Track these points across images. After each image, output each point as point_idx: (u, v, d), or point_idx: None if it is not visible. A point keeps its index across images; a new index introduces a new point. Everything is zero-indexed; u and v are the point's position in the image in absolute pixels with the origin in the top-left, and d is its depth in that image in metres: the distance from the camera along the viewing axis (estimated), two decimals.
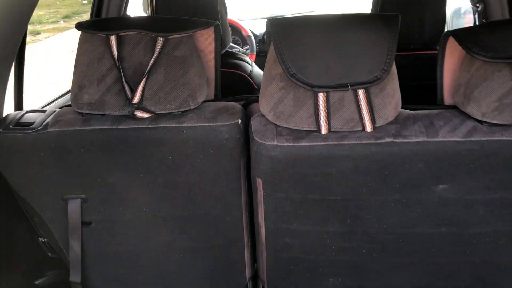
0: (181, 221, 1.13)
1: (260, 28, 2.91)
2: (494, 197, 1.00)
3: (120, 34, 0.99)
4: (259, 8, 3.43)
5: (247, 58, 2.05)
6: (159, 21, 1.02)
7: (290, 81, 0.95)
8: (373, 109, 0.95)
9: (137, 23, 1.00)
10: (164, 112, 1.00)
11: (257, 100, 1.10)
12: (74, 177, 1.06)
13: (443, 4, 1.75)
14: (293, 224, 1.07)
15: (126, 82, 0.98)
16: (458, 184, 0.99)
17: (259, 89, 1.30)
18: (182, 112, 1.01)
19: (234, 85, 1.80)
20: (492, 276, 1.15)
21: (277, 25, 0.96)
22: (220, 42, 1.09)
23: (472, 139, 0.93)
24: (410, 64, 1.79)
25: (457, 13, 3.23)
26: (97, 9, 1.83)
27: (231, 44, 2.74)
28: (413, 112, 1.01)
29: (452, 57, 1.01)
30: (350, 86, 0.93)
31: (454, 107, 1.01)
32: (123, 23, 1.00)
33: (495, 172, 0.96)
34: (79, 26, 1.00)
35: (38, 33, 9.13)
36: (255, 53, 2.71)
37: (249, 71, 1.93)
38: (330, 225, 1.07)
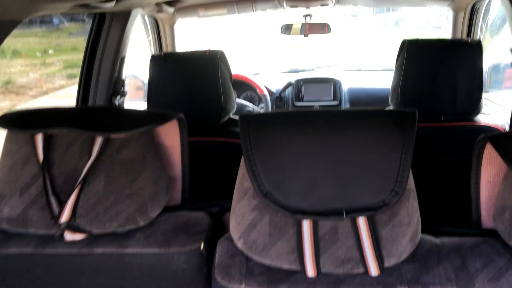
0: None
1: (278, 83, 2.71)
2: None
3: (48, 133, 0.78)
4: (279, 62, 3.24)
5: None
6: (100, 115, 0.80)
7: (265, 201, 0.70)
8: (380, 244, 0.68)
9: (72, 117, 0.79)
10: (102, 232, 0.77)
11: None
12: None
13: (479, 67, 1.47)
14: None
15: (54, 193, 0.76)
16: None
17: None
18: (129, 230, 0.78)
19: (237, 157, 1.57)
20: None
21: (248, 123, 0.73)
22: (187, 135, 0.86)
23: None
24: (440, 138, 1.51)
25: (496, 68, 2.93)
26: (86, 72, 1.67)
27: (243, 102, 2.54)
28: (437, 241, 0.73)
29: (491, 168, 0.74)
30: (346, 214, 0.67)
31: (494, 232, 0.73)
32: (53, 117, 0.79)
33: None
34: (1, 121, 0.79)
35: (74, 76, 9.35)
36: None
37: None
38: None
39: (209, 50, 1.53)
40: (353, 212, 0.67)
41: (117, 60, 1.72)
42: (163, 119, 0.80)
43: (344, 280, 0.68)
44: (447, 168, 1.49)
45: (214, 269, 0.73)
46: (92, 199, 0.76)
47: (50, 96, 7.28)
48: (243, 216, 0.72)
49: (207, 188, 1.31)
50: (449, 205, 1.33)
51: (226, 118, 1.56)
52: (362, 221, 0.68)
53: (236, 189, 0.75)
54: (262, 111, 2.51)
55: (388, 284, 0.67)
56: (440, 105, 1.50)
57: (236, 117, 1.72)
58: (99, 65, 1.67)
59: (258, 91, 2.53)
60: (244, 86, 2.64)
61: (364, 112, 0.72)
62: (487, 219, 0.76)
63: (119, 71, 1.75)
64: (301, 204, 0.68)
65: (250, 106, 2.52)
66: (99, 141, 0.76)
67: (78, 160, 0.77)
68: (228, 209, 0.88)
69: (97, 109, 0.84)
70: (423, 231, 0.75)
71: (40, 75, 8.54)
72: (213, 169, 1.48)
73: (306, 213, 0.68)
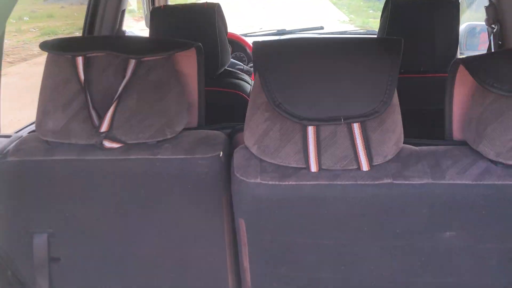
0: (157, 260, 1.02)
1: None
2: (509, 247, 0.87)
3: (88, 55, 0.90)
4: (267, 23, 3.34)
5: (247, 78, 1.95)
6: (132, 42, 0.92)
7: (277, 111, 0.84)
8: (370, 145, 0.83)
9: (108, 43, 0.91)
10: (136, 142, 0.90)
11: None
12: (39, 210, 0.96)
13: (456, 24, 1.63)
14: (281, 268, 0.96)
15: (94, 108, 0.89)
16: (468, 232, 0.86)
17: None
18: (157, 142, 0.91)
19: (233, 106, 1.70)
20: None
21: (262, 49, 0.86)
22: (203, 64, 0.99)
23: (485, 182, 0.81)
24: (419, 87, 1.67)
25: (472, 32, 3.10)
26: (89, 24, 1.75)
27: (234, 61, 2.65)
28: (416, 148, 0.89)
29: (462, 88, 0.90)
30: (344, 120, 0.81)
31: (464, 143, 0.89)
32: (91, 43, 0.91)
33: (510, 219, 0.84)
34: (43, 45, 0.90)
35: None
36: None
37: (249, 91, 1.82)
38: (323, 272, 0.95)
39: (206, 2, 1.64)
40: (349, 119, 0.82)
41: (118, 13, 1.81)
42: (185, 45, 0.93)
43: (340, 174, 0.83)
44: (426, 117, 1.66)
45: (233, 169, 0.87)
46: (127, 113, 0.89)
47: (29, 63, 7.18)
48: (257, 126, 0.86)
49: None
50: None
51: (222, 69, 1.68)
52: (356, 127, 0.83)
53: (250, 105, 0.89)
54: (252, 70, 2.63)
55: (376, 177, 0.83)
56: (420, 58, 1.66)
57: (231, 69, 1.85)
58: (101, 19, 1.76)
59: (248, 49, 2.64)
60: (234, 45, 2.74)
61: (359, 39, 0.86)
62: (457, 132, 0.92)
63: (120, 23, 1.84)
64: (307, 113, 0.82)
65: (240, 64, 2.64)
66: (132, 63, 0.89)
67: (114, 80, 0.90)
68: (239, 130, 1.02)
69: (129, 37, 0.95)
70: (405, 143, 0.90)
71: (16, 42, 8.37)
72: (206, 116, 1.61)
73: (311, 120, 0.82)
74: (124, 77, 0.89)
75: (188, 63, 0.97)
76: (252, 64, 2.66)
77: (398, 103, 0.87)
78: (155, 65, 0.90)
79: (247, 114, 0.90)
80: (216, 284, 1.05)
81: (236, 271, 1.06)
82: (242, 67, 2.63)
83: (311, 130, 0.83)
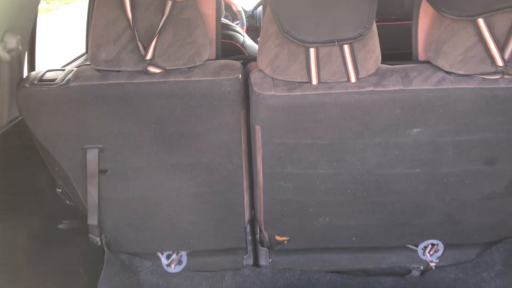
0: (188, 168, 1.27)
1: (249, 3, 3.02)
2: (461, 139, 1.16)
3: None
4: None
5: (240, 29, 2.17)
6: None
7: (285, 38, 1.08)
8: (357, 62, 1.09)
9: None
10: (173, 68, 1.13)
11: (254, 59, 1.23)
12: (92, 128, 1.19)
13: None
14: (287, 167, 1.22)
15: (140, 41, 1.11)
16: (430, 128, 1.14)
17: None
18: (189, 68, 1.14)
19: (227, 55, 1.93)
20: (460, 213, 1.32)
21: None
22: (220, 6, 1.21)
23: (441, 87, 1.09)
24: (392, 34, 1.93)
25: None
26: None
27: (222, 19, 2.85)
28: (391, 66, 1.16)
29: (425, 18, 1.16)
30: (337, 42, 1.07)
31: (427, 62, 1.16)
32: None
33: (461, 116, 1.12)
34: None
35: None
36: (245, 28, 2.82)
37: (241, 41, 2.05)
38: (320, 168, 1.22)
39: None
40: (341, 41, 1.07)
41: None
42: None
43: (334, 85, 1.09)
44: (396, 58, 1.93)
45: (251, 86, 1.12)
46: (165, 45, 1.11)
47: None
48: (268, 51, 1.11)
49: None
50: None
51: None
52: (346, 48, 1.08)
53: (262, 36, 1.13)
54: (238, 26, 2.84)
55: (361, 87, 1.09)
56: (392, 8, 1.93)
57: (225, 22, 2.06)
58: None
59: (233, 7, 2.84)
60: None
61: None
62: (422, 54, 1.19)
63: None
64: (308, 38, 1.07)
65: (229, 22, 2.85)
66: (169, 4, 1.11)
67: (154, 18, 1.12)
68: (249, 60, 1.27)
69: None
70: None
71: None
72: None
73: (312, 43, 1.07)
74: (162, 15, 1.11)
75: (208, 5, 1.20)
76: (238, 22, 2.87)
77: (376, 30, 1.13)
78: (185, 6, 1.13)
79: (260, 43, 1.14)
80: (234, 187, 1.32)
81: (249, 175, 1.32)
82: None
83: (312, 51, 1.08)
